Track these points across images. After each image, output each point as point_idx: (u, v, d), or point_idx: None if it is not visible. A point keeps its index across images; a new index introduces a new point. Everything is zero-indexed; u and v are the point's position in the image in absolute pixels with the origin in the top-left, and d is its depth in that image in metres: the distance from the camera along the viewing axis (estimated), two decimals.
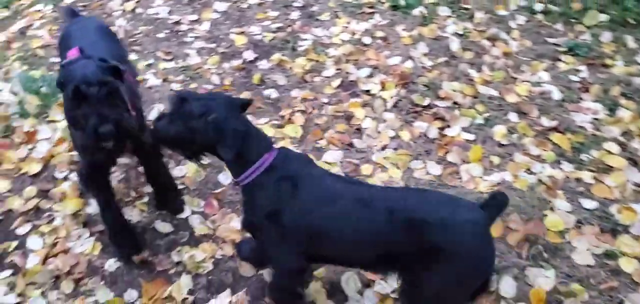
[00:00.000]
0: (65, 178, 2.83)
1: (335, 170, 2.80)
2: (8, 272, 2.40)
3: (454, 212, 1.69)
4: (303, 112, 3.18)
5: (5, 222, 2.64)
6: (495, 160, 2.87)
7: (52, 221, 2.64)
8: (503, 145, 2.97)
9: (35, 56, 3.75)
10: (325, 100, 3.28)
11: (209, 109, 1.84)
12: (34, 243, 2.54)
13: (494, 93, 3.30)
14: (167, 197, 2.62)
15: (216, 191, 2.75)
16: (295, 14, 4.09)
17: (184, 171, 2.84)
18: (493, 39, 3.76)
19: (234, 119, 1.87)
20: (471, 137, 3.01)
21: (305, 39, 3.81)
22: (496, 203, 1.75)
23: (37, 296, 2.30)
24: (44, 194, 2.77)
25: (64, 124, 3.04)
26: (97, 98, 1.89)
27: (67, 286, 2.34)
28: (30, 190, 2.78)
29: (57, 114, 3.18)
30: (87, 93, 1.89)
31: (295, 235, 1.87)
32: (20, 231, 2.58)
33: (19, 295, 2.32)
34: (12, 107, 3.21)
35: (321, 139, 3.01)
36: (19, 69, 3.58)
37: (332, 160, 2.88)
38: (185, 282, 2.34)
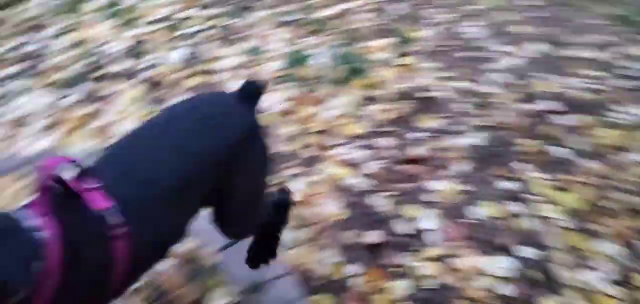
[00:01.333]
0: (332, 146, 3.03)
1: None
2: None
3: None
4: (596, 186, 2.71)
5: None
6: None
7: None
8: None
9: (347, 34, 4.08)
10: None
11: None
12: None
13: None
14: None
15: (467, 220, 2.56)
16: None
17: (439, 186, 2.74)
18: None
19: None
20: None
21: None
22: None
23: None
24: None
25: (343, 101, 3.31)
26: None
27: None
28: None
29: (345, 95, 3.43)
30: None
31: None
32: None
33: None
34: (321, 71, 3.60)
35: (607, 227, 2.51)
36: (335, 42, 3.95)
37: (610, 253, 2.38)
38: (402, 285, 2.27)
